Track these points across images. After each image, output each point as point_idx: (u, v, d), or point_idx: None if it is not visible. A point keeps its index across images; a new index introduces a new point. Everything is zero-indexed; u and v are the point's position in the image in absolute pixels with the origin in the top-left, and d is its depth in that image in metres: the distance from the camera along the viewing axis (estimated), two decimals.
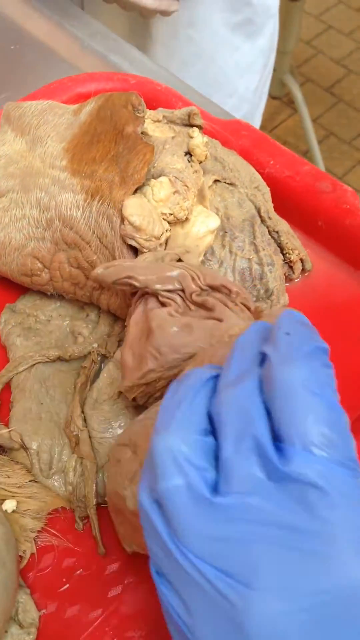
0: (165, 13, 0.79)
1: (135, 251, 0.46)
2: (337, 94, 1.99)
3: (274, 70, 1.76)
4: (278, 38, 1.62)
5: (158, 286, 0.41)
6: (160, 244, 0.46)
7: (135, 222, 0.44)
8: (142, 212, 0.44)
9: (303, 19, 2.06)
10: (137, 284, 0.41)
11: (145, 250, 0.45)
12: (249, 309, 0.41)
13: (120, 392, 0.48)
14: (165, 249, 0.47)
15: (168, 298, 0.41)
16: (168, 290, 0.41)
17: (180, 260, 0.45)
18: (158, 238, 0.46)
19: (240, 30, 0.92)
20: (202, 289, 0.41)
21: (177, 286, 0.41)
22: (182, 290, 0.41)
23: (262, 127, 1.91)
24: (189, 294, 0.40)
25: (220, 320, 0.39)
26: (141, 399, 0.43)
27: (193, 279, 0.40)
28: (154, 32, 0.90)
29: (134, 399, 0.43)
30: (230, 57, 0.94)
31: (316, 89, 2.01)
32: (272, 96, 1.93)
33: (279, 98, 1.95)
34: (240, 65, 0.95)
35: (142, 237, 0.45)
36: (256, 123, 1.08)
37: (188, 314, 0.41)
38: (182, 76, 0.94)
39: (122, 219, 0.44)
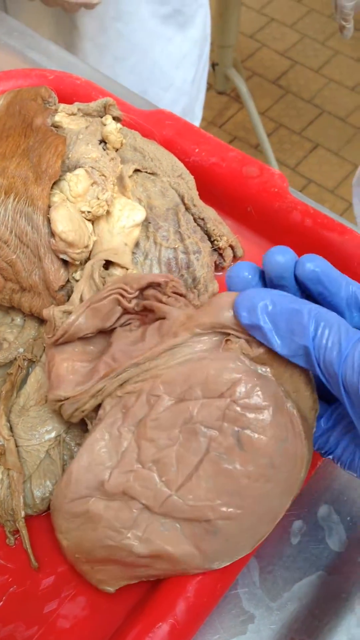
0: (88, 6, 0.77)
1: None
2: (284, 86, 1.99)
3: (217, 65, 1.75)
4: (218, 32, 1.61)
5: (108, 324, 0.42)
6: (87, 247, 0.45)
7: (68, 239, 0.43)
8: (73, 226, 0.43)
9: (245, 14, 2.06)
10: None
11: (76, 262, 0.45)
12: (182, 295, 0.42)
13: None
14: (92, 253, 0.46)
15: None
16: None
17: (107, 262, 0.45)
18: (87, 246, 0.45)
19: (170, 21, 0.90)
20: (135, 297, 0.41)
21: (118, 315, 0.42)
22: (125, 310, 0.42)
23: (212, 123, 1.92)
24: (131, 310, 0.41)
25: (163, 318, 0.40)
26: (75, 417, 0.41)
27: (123, 296, 0.41)
28: (81, 28, 0.88)
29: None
30: (163, 49, 0.92)
31: (263, 82, 2.00)
32: (218, 92, 1.92)
33: (226, 93, 1.94)
34: (174, 57, 0.94)
35: (75, 252, 0.44)
36: (197, 115, 1.06)
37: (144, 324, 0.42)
38: (115, 72, 0.91)
39: (53, 234, 0.43)
